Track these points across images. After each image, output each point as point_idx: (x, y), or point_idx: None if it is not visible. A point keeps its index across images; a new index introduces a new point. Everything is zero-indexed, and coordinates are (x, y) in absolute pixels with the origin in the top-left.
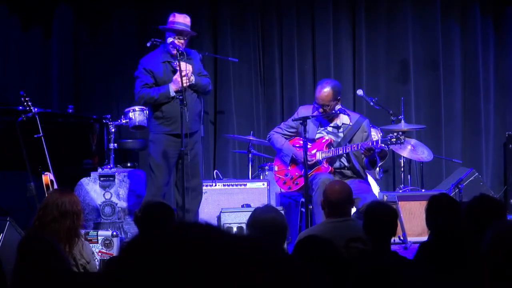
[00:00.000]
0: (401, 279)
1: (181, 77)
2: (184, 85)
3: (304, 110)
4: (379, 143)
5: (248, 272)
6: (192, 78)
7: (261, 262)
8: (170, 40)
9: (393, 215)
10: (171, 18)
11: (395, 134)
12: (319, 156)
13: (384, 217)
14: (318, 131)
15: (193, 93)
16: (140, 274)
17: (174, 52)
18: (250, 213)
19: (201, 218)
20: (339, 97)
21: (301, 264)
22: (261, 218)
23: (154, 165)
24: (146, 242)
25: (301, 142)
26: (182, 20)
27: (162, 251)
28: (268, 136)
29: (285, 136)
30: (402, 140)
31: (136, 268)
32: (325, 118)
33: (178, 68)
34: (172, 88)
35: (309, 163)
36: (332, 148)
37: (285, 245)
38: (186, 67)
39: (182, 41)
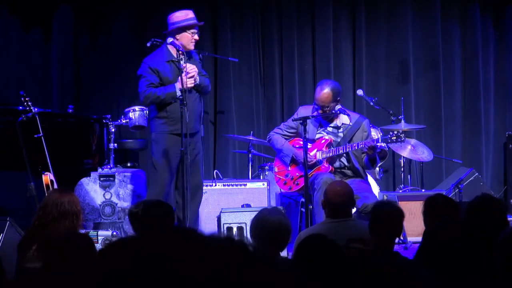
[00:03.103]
0: (408, 279)
1: (195, 76)
2: (190, 85)
3: (304, 110)
4: (380, 141)
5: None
6: (197, 78)
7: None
8: (180, 39)
9: (399, 215)
10: (179, 18)
11: (395, 132)
12: (319, 156)
13: (390, 217)
14: (318, 131)
15: (196, 93)
16: (128, 272)
17: (176, 52)
18: (250, 213)
19: (201, 218)
20: (338, 98)
21: (285, 269)
22: (266, 219)
23: (158, 164)
24: (135, 242)
25: (301, 142)
26: (190, 14)
27: (151, 250)
28: (268, 136)
29: (285, 137)
30: (403, 138)
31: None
32: (325, 118)
33: (184, 69)
34: (178, 87)
35: (309, 163)
36: (332, 148)
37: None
38: (193, 68)
39: (197, 37)
